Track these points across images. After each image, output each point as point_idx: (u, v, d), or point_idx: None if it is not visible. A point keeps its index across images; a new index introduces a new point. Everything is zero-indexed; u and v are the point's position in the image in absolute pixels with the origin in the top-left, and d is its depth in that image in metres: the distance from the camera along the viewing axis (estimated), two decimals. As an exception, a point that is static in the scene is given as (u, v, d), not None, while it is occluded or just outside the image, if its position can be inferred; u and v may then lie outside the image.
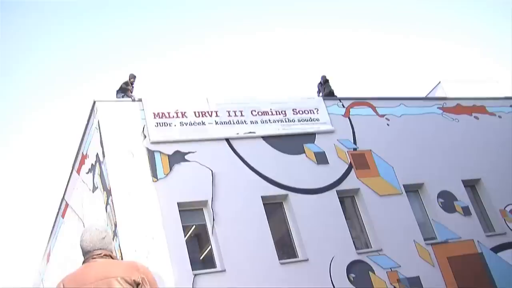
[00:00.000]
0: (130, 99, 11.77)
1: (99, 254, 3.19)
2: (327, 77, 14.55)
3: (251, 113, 12.16)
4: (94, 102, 11.16)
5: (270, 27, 38.67)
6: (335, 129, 12.73)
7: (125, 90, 12.16)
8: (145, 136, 10.92)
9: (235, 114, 11.98)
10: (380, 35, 39.08)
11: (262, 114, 12.27)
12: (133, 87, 12.29)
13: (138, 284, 3.03)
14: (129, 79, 12.35)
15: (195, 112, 11.57)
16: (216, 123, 11.66)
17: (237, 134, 11.72)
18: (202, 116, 11.62)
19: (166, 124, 11.12)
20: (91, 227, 3.35)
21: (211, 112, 11.75)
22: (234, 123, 11.82)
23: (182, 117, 11.39)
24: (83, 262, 3.24)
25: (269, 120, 12.26)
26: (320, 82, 14.54)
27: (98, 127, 10.82)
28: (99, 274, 3.03)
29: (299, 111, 12.69)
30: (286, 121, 12.41)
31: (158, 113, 11.21)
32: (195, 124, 11.42)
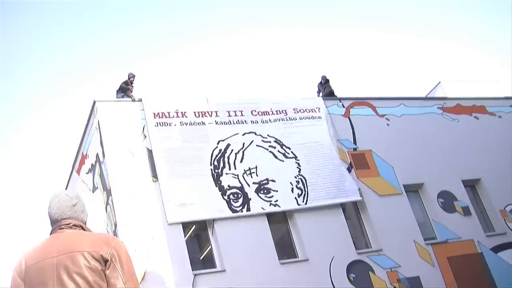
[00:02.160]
0: (130, 99, 11.76)
1: (68, 224, 2.81)
2: (327, 77, 14.55)
3: (251, 113, 12.15)
4: (94, 102, 11.15)
5: (270, 27, 38.70)
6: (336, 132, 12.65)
7: (125, 90, 12.15)
8: (145, 136, 10.92)
9: (235, 114, 11.96)
10: (380, 34, 39.10)
11: (262, 114, 12.26)
12: (132, 86, 12.28)
13: (106, 261, 2.64)
14: (129, 79, 12.34)
15: (195, 113, 11.55)
16: (216, 123, 11.63)
17: (237, 134, 11.68)
18: (202, 116, 11.60)
19: (166, 124, 11.11)
20: (61, 193, 2.93)
21: (211, 112, 11.74)
22: (234, 123, 11.80)
23: (182, 117, 11.37)
24: (50, 233, 2.86)
25: (270, 120, 12.24)
26: (321, 82, 14.54)
27: (98, 127, 10.81)
28: (63, 247, 2.65)
29: (300, 110, 12.69)
30: (287, 120, 12.39)
31: (158, 113, 11.21)
32: (195, 124, 11.40)
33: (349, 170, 12.33)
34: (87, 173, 12.00)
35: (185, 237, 10.38)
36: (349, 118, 13.27)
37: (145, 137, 10.91)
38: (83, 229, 2.87)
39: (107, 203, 10.44)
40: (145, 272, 9.18)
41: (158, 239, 9.79)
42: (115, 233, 9.77)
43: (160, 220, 10.04)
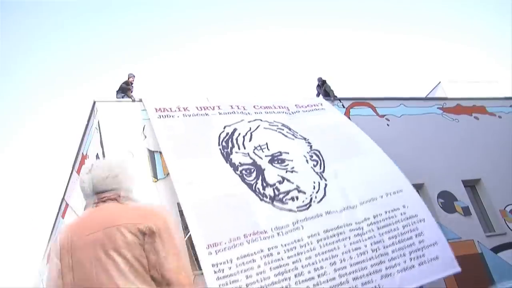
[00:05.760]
0: (130, 99, 11.75)
1: (102, 198, 2.67)
2: (323, 78, 14.46)
3: (254, 107, 11.97)
4: (94, 102, 11.15)
5: (269, 27, 38.69)
6: None
7: (125, 90, 12.15)
8: (145, 136, 10.89)
9: (238, 107, 11.78)
10: (380, 34, 39.11)
11: (265, 108, 12.08)
12: (133, 86, 12.27)
13: (144, 235, 2.43)
14: (129, 79, 12.34)
15: (197, 107, 11.40)
16: (220, 114, 11.43)
17: (242, 120, 11.35)
18: (205, 109, 11.43)
19: (169, 116, 10.94)
20: (92, 166, 2.81)
21: (213, 106, 11.58)
22: (237, 113, 11.55)
23: (185, 111, 11.21)
24: (84, 209, 2.70)
25: (273, 112, 12.03)
26: (318, 85, 14.48)
27: (98, 127, 10.80)
28: (99, 222, 2.49)
29: (302, 106, 12.55)
30: (290, 113, 12.20)
31: (160, 108, 11.06)
32: (198, 115, 11.23)
33: None
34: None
35: (185, 237, 10.36)
36: (349, 118, 13.25)
37: (145, 137, 10.89)
38: (118, 202, 2.68)
39: (107, 203, 10.41)
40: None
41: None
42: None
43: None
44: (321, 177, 10.64)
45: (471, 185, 13.74)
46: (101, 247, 2.39)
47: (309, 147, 11.27)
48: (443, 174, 13.26)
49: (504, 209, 13.46)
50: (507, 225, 13.21)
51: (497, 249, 12.65)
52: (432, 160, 13.38)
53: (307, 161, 10.90)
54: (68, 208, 13.96)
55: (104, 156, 10.49)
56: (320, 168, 10.82)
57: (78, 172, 12.78)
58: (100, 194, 2.66)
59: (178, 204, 10.40)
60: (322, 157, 11.04)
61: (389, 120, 13.70)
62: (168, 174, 10.58)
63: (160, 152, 10.73)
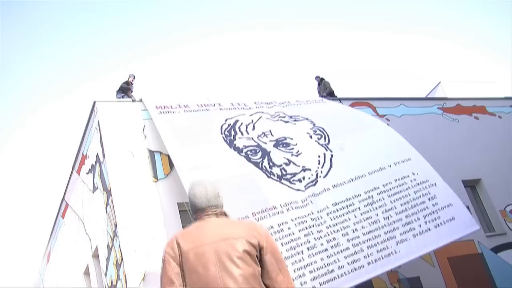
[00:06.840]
0: (130, 99, 11.74)
1: (215, 211, 2.96)
2: (321, 76, 14.44)
3: (254, 103, 11.94)
4: (94, 103, 11.14)
5: (269, 27, 38.70)
6: None
7: (125, 90, 12.16)
8: (145, 136, 10.89)
9: (238, 104, 11.75)
10: (380, 35, 39.13)
11: (266, 104, 12.02)
12: (133, 86, 12.28)
13: (261, 248, 2.79)
14: (129, 79, 12.35)
15: (197, 104, 11.35)
16: (221, 109, 11.39)
17: (244, 114, 11.25)
18: (205, 106, 11.39)
19: (169, 112, 10.89)
20: (205, 182, 3.05)
21: (214, 103, 11.55)
22: (238, 109, 11.52)
23: (185, 107, 11.16)
24: (195, 220, 2.99)
25: (274, 105, 11.96)
26: (318, 84, 14.48)
27: (98, 127, 10.80)
28: (218, 233, 2.80)
29: (302, 100, 12.52)
30: (291, 105, 12.14)
31: (161, 106, 11.01)
32: (199, 111, 11.18)
33: None
34: (87, 173, 11.99)
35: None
36: (349, 118, 13.25)
37: (145, 137, 10.89)
38: (226, 216, 3.00)
39: (107, 203, 10.43)
40: (145, 273, 9.17)
41: (158, 240, 9.78)
42: (115, 233, 9.77)
43: (160, 220, 10.03)
44: (327, 148, 10.53)
45: (471, 185, 13.74)
46: (226, 255, 2.71)
47: (313, 124, 11.20)
48: (443, 174, 13.20)
49: (504, 209, 13.46)
50: (507, 225, 13.21)
51: (497, 249, 12.65)
52: (432, 160, 13.31)
53: (310, 136, 10.79)
54: (68, 208, 13.96)
55: (104, 156, 10.49)
56: (325, 141, 10.73)
57: (78, 172, 12.78)
58: (211, 208, 2.96)
59: (178, 204, 10.42)
60: (326, 132, 10.97)
61: (389, 120, 13.69)
62: (168, 174, 10.61)
63: (161, 152, 10.74)
